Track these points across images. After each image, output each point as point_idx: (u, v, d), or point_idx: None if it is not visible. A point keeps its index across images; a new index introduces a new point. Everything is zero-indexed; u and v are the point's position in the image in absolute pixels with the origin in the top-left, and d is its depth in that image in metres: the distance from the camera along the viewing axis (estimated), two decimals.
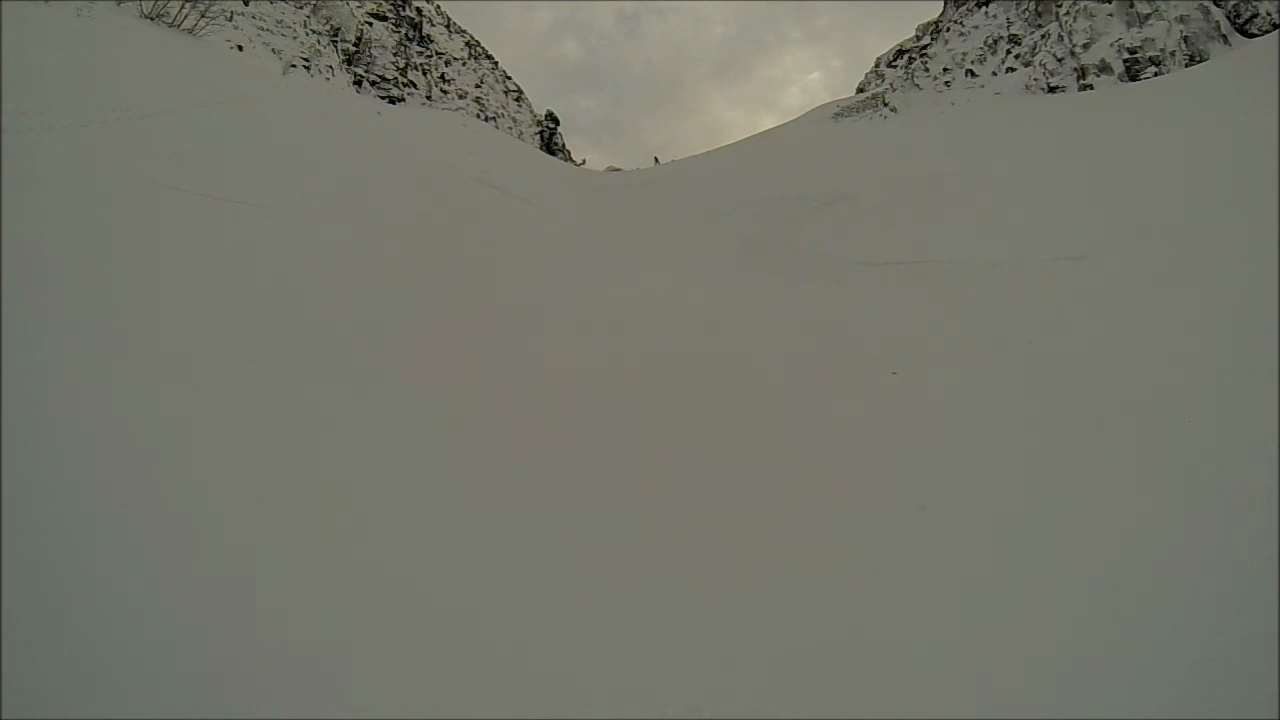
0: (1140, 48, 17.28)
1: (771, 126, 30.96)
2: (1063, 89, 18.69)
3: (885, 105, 23.26)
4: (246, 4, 23.64)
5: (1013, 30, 22.70)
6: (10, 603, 2.07)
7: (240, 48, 21.08)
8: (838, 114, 25.01)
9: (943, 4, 26.86)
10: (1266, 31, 15.42)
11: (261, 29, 23.86)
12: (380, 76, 28.77)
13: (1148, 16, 17.51)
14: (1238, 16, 16.19)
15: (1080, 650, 2.71)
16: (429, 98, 31.20)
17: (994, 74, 22.35)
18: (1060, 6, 19.79)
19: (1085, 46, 18.44)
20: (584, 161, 20.84)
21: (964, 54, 23.73)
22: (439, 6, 36.83)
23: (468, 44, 37.19)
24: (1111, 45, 17.90)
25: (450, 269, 8.64)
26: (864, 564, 3.50)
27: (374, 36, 29.17)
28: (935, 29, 26.19)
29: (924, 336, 7.15)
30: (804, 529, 3.85)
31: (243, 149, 9.72)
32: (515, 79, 39.34)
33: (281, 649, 2.39)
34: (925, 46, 25.69)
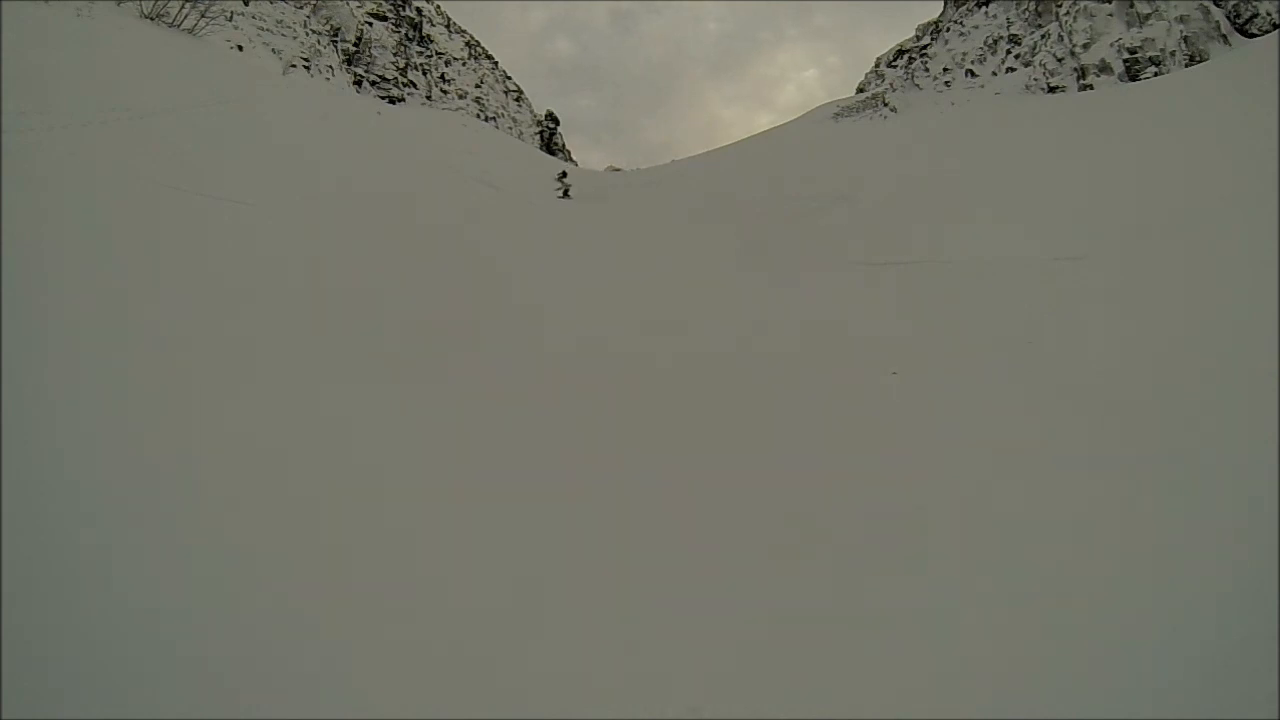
0: (1140, 48, 17.28)
1: (768, 124, 31.11)
2: (1063, 89, 18.70)
3: (885, 105, 23.28)
4: (246, 4, 23.66)
5: (1013, 30, 22.72)
6: (10, 603, 2.07)
7: (240, 48, 21.10)
8: (838, 114, 25.05)
9: (943, 4, 26.88)
10: (1266, 31, 15.43)
11: (261, 29, 23.88)
12: (380, 76, 28.78)
13: (1148, 16, 17.52)
14: (1238, 16, 16.20)
15: (1080, 650, 2.71)
16: (429, 98, 31.22)
17: (994, 74, 22.37)
18: (1060, 6, 19.81)
19: (1085, 46, 18.45)
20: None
21: (964, 54, 23.74)
22: (439, 6, 36.86)
23: (468, 44, 37.22)
24: (1111, 45, 17.91)
25: (450, 269, 8.64)
26: (863, 564, 3.50)
27: (374, 36, 29.19)
28: (935, 29, 26.21)
29: (924, 336, 7.15)
30: (803, 529, 3.85)
31: (243, 149, 9.72)
32: (513, 79, 39.41)
33: (283, 649, 2.39)
34: (925, 46, 25.71)
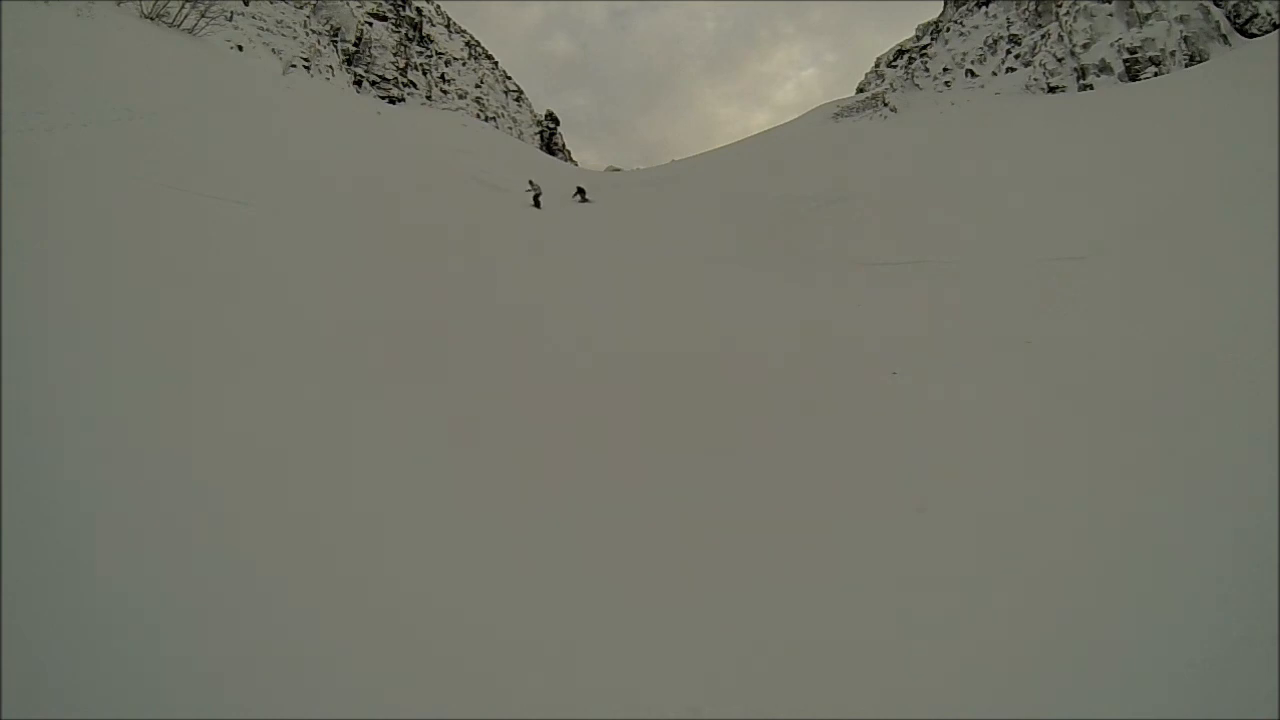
0: (1140, 48, 17.28)
1: (766, 122, 31.22)
2: (1063, 89, 18.70)
3: (885, 105, 23.28)
4: (246, 4, 23.65)
5: (1013, 30, 22.72)
6: (10, 603, 2.07)
7: (240, 48, 21.09)
8: (838, 114, 25.05)
9: (942, 4, 26.88)
10: (1266, 31, 15.42)
11: (261, 29, 23.87)
12: (380, 76, 28.77)
13: (1148, 16, 17.52)
14: (1238, 16, 16.20)
15: (1080, 650, 2.71)
16: (429, 98, 31.21)
17: (994, 74, 22.36)
18: (1060, 6, 19.80)
19: (1085, 46, 18.45)
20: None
21: (964, 54, 23.74)
22: (439, 6, 36.84)
23: (468, 44, 37.21)
24: (1111, 45, 17.91)
25: (452, 270, 8.64)
26: (863, 564, 3.50)
27: (374, 36, 29.18)
28: (935, 29, 26.21)
29: (923, 336, 7.15)
30: (804, 529, 3.85)
31: (242, 149, 9.72)
32: (513, 79, 39.40)
33: (282, 649, 2.39)
34: (925, 46, 25.70)
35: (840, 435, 5.11)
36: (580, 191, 18.93)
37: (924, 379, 5.98)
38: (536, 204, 16.62)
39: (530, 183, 17.31)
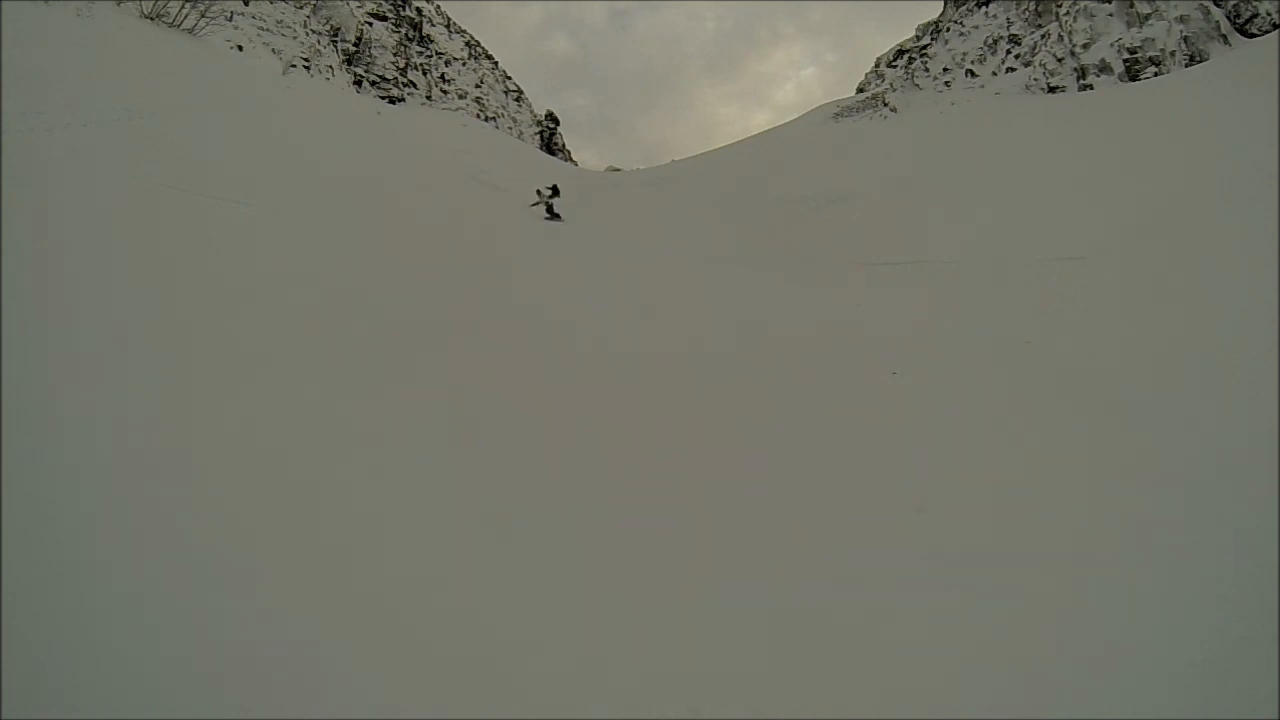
0: (1140, 48, 17.28)
1: (766, 122, 31.18)
2: (1063, 89, 18.69)
3: (885, 105, 23.27)
4: (246, 4, 23.65)
5: (1013, 30, 22.71)
6: (11, 602, 2.07)
7: (240, 48, 21.08)
8: (837, 114, 25.04)
9: (942, 4, 26.87)
10: (1266, 31, 15.42)
11: (261, 29, 23.87)
12: (380, 76, 28.77)
13: (1148, 16, 17.51)
14: (1238, 16, 16.19)
15: (1080, 650, 2.71)
16: (429, 98, 31.20)
17: (994, 74, 22.36)
18: (1060, 6, 19.79)
19: (1085, 46, 18.44)
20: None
21: (964, 54, 23.73)
22: (439, 6, 36.84)
23: (468, 44, 37.21)
24: (1111, 45, 17.90)
25: (452, 270, 8.64)
26: (863, 564, 3.50)
27: (374, 36, 29.17)
28: (935, 29, 26.20)
29: (923, 336, 7.15)
30: (804, 529, 3.85)
31: (242, 149, 9.72)
32: (513, 79, 39.41)
33: (283, 649, 2.39)
34: (925, 46, 25.69)
35: (840, 435, 5.11)
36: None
37: (924, 379, 5.98)
38: (553, 215, 14.59)
39: (538, 191, 15.14)
